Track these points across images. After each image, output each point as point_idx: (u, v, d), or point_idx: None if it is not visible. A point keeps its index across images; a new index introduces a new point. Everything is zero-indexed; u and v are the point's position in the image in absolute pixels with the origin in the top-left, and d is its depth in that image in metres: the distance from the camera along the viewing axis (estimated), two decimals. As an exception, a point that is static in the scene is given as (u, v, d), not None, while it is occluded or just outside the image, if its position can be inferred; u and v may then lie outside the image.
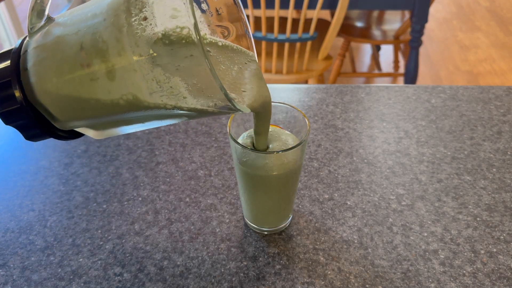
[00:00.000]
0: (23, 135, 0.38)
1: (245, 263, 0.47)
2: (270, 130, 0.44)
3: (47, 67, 0.35)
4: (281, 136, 0.44)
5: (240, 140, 0.44)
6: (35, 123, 0.37)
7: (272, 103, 0.46)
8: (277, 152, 0.40)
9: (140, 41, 0.31)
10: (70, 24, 0.34)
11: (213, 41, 0.38)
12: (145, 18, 0.30)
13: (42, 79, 0.35)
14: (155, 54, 0.31)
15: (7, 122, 0.37)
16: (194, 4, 0.38)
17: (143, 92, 0.32)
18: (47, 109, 0.36)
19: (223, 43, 0.39)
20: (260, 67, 1.56)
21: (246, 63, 0.39)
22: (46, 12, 0.36)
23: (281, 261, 0.47)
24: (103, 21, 0.32)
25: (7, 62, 0.36)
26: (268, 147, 0.43)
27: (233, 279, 0.45)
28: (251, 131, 0.45)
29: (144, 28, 0.30)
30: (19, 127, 0.38)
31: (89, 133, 0.40)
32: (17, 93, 0.36)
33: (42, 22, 0.36)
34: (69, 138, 0.40)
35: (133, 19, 0.31)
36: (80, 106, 0.35)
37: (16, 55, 0.36)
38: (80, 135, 0.41)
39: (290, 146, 0.42)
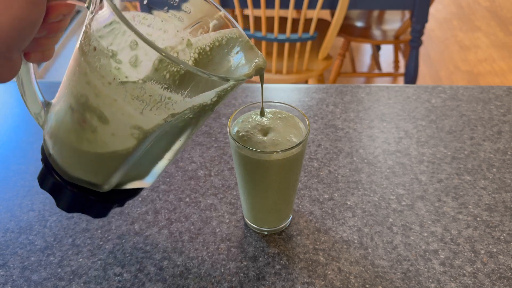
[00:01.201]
0: (91, 216, 0.42)
1: (245, 263, 0.47)
2: (282, 115, 0.45)
3: (60, 144, 0.38)
4: (288, 128, 0.44)
5: (236, 126, 0.44)
6: (90, 199, 0.40)
7: (272, 103, 0.46)
8: (277, 152, 0.40)
9: (102, 70, 0.32)
10: (59, 97, 0.37)
11: (201, 46, 0.40)
12: (94, 49, 0.32)
13: (63, 156, 0.38)
14: (112, 69, 0.32)
15: (69, 210, 0.41)
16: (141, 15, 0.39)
17: (135, 116, 0.33)
18: (83, 179, 0.39)
19: (210, 45, 0.40)
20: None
21: (236, 43, 0.39)
22: (41, 100, 0.39)
23: (281, 261, 0.47)
24: (73, 75, 0.35)
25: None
26: (264, 112, 0.43)
27: (233, 279, 0.45)
28: (245, 116, 0.45)
29: (98, 57, 0.32)
30: (81, 211, 0.41)
31: (137, 184, 0.42)
32: (56, 179, 0.39)
33: (44, 110, 0.39)
34: (128, 199, 0.43)
35: (88, 56, 0.33)
36: (102, 161, 0.37)
37: (42, 147, 0.41)
38: (137, 191, 0.43)
39: (290, 140, 0.42)
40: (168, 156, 0.40)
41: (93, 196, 0.40)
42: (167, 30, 0.40)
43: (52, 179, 0.40)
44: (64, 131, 0.37)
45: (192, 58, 0.40)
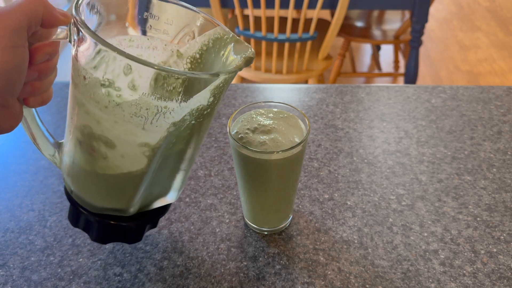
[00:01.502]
0: (127, 242, 0.43)
1: (245, 263, 0.47)
2: (282, 115, 0.45)
3: (78, 178, 0.39)
4: (288, 128, 0.44)
5: (235, 126, 0.44)
6: (121, 226, 0.41)
7: (272, 103, 0.46)
8: (277, 152, 0.40)
9: (96, 96, 0.33)
10: (67, 135, 0.39)
11: (191, 55, 0.40)
12: (84, 78, 0.33)
13: (83, 189, 0.39)
14: (111, 97, 0.33)
15: (104, 241, 0.42)
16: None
17: (138, 133, 0.34)
18: (107, 207, 0.40)
19: (199, 52, 0.40)
20: (261, 66, 1.57)
21: (222, 42, 0.39)
22: (52, 142, 0.41)
23: (281, 261, 0.47)
24: (73, 110, 0.36)
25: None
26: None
27: (233, 279, 0.45)
28: (245, 116, 0.45)
29: (90, 85, 0.33)
30: (116, 239, 0.42)
31: (162, 202, 0.43)
32: (83, 213, 0.41)
33: (57, 151, 0.41)
34: (159, 217, 0.44)
35: (80, 87, 0.33)
36: (120, 185, 0.38)
37: (64, 187, 0.42)
38: (166, 208, 0.44)
39: (290, 140, 0.42)
40: (183, 166, 0.41)
41: (124, 222, 0.41)
42: (155, 46, 0.40)
43: (81, 215, 0.41)
44: (78, 164, 0.38)
45: (186, 69, 0.41)
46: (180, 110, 0.34)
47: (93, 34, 0.30)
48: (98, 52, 0.31)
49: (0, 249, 0.48)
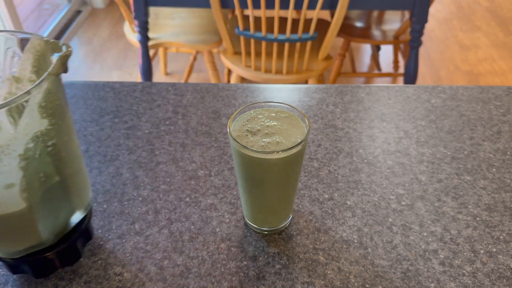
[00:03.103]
0: (69, 265, 0.46)
1: (245, 262, 0.47)
2: (283, 115, 0.45)
3: None
4: (288, 128, 0.44)
5: (235, 126, 0.44)
6: (50, 258, 0.43)
7: (272, 103, 0.46)
8: (277, 152, 0.40)
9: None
10: None
11: (29, 77, 0.39)
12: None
13: None
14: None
15: (47, 274, 0.44)
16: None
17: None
18: (23, 249, 0.41)
19: (33, 73, 0.39)
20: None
21: (42, 58, 0.38)
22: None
23: (281, 261, 0.47)
24: None
25: None
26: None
27: (233, 278, 0.45)
28: (245, 116, 0.45)
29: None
30: (59, 266, 0.44)
31: (77, 218, 0.44)
32: (10, 262, 0.42)
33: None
34: (87, 225, 0.46)
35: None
36: (18, 227, 0.39)
37: None
38: (85, 217, 0.47)
39: (290, 140, 0.42)
40: (71, 182, 0.41)
41: (50, 251, 0.42)
42: None
43: (11, 264, 0.42)
44: None
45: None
46: (16, 141, 0.33)
47: None
48: None
49: (0, 249, 0.48)
